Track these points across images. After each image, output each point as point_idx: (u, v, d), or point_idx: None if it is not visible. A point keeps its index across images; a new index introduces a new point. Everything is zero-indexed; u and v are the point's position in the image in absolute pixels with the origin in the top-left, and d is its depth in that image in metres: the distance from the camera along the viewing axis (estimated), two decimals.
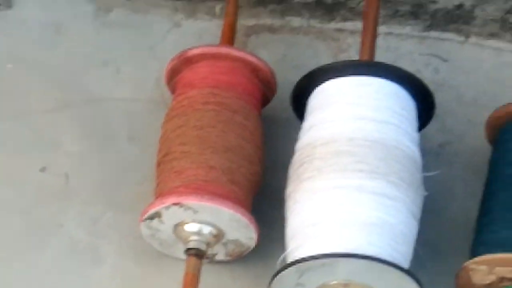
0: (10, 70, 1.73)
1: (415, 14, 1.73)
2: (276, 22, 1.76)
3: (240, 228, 1.43)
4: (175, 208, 1.39)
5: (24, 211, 1.58)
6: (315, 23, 1.77)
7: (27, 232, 1.56)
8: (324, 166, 1.44)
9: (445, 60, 1.72)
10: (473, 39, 1.75)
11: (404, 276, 1.34)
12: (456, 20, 1.74)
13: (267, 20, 1.76)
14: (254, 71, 1.52)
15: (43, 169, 1.59)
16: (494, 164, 1.53)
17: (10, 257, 1.54)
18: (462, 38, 1.75)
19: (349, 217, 1.41)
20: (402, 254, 1.39)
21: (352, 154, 1.44)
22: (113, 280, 1.51)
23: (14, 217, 1.58)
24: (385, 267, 1.33)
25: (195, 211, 1.40)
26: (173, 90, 1.55)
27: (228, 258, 1.49)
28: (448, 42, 1.76)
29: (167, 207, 1.40)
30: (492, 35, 1.74)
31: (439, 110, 1.56)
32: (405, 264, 1.37)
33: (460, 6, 1.71)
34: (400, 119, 1.48)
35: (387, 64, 1.49)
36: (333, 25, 1.78)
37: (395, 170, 1.44)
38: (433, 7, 1.72)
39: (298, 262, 1.34)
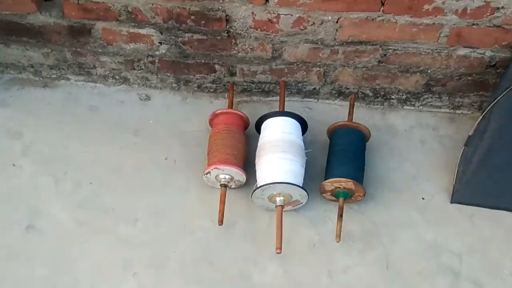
0: (151, 124, 1.71)
1: (298, 92, 1.72)
2: (248, 99, 1.75)
3: (239, 175, 1.47)
4: (215, 169, 1.44)
5: (159, 178, 1.58)
6: (262, 99, 1.75)
7: (159, 181, 1.56)
8: (269, 150, 1.48)
9: (310, 109, 1.72)
10: (320, 100, 1.75)
11: (301, 189, 1.40)
12: (314, 93, 1.72)
13: (244, 98, 1.74)
14: (241, 118, 1.56)
15: (166, 159, 1.60)
16: (330, 146, 1.56)
17: (145, 193, 1.54)
18: (316, 101, 1.74)
19: (278, 168, 1.43)
20: (299, 181, 1.43)
21: (278, 146, 1.47)
22: (196, 200, 1.52)
23: (150, 181, 1.57)
24: (294, 186, 1.39)
25: (222, 170, 1.44)
26: (211, 126, 1.58)
27: (235, 187, 1.52)
28: (311, 102, 1.75)
29: (212, 169, 1.45)
30: (327, 98, 1.73)
31: (310, 127, 1.59)
32: (301, 184, 1.42)
33: (314, 88, 1.70)
34: (295, 132, 1.52)
35: (289, 112, 1.54)
36: (269, 99, 1.75)
37: (294, 150, 1.47)
38: (304, 89, 1.70)
39: (261, 186, 1.39)
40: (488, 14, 1.36)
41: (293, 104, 1.66)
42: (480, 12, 1.36)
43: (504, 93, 1.44)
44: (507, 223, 1.45)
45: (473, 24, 1.40)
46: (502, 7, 1.34)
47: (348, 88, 1.64)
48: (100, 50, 1.58)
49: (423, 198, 1.50)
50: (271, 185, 1.39)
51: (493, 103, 1.46)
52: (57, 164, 1.54)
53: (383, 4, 1.37)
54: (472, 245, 1.41)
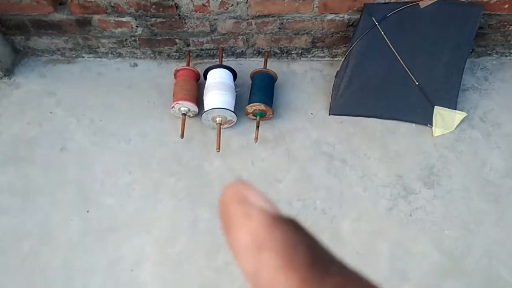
0: (139, 81, 1.74)
1: (233, 54, 1.70)
2: (201, 61, 1.71)
3: (193, 107, 1.50)
4: (177, 104, 1.48)
5: (144, 113, 1.60)
6: (210, 60, 1.72)
7: (144, 115, 1.58)
8: (211, 89, 1.52)
9: (241, 65, 1.70)
10: (248, 59, 1.73)
11: (231, 112, 1.45)
12: (242, 54, 1.70)
13: (199, 61, 1.71)
14: (193, 71, 1.55)
15: (148, 102, 1.62)
16: (251, 84, 1.57)
17: (136, 122, 1.57)
18: (245, 59, 1.72)
19: (216, 99, 1.48)
20: (231, 107, 1.47)
21: (216, 86, 1.51)
22: (168, 125, 1.54)
23: (139, 115, 1.58)
24: (226, 110, 1.44)
25: (182, 104, 1.47)
26: (175, 77, 1.55)
27: (192, 116, 1.53)
28: (241, 60, 1.73)
29: (175, 104, 1.49)
30: (252, 57, 1.72)
31: (241, 76, 1.60)
32: (232, 109, 1.47)
33: (242, 51, 1.67)
34: (227, 76, 1.55)
35: (223, 64, 1.53)
36: (214, 60, 1.72)
37: (226, 88, 1.52)
38: (236, 52, 1.68)
39: (206, 111, 1.44)
40: None
41: (229, 62, 1.62)
42: None
43: (355, 42, 1.52)
44: (362, 124, 1.55)
45: None
46: None
47: (263, 49, 1.63)
48: (99, 35, 1.60)
49: (311, 114, 1.55)
50: (212, 109, 1.46)
51: (350, 48, 1.54)
52: (78, 109, 1.61)
53: None
54: (341, 138, 1.51)
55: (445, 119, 1.50)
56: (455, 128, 1.51)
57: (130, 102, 1.64)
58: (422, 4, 1.44)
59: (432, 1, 1.44)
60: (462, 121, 1.51)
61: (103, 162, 1.50)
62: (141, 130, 1.56)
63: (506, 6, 1.44)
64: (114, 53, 1.75)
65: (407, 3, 1.45)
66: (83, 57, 1.77)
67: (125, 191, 1.43)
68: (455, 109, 1.51)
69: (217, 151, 1.44)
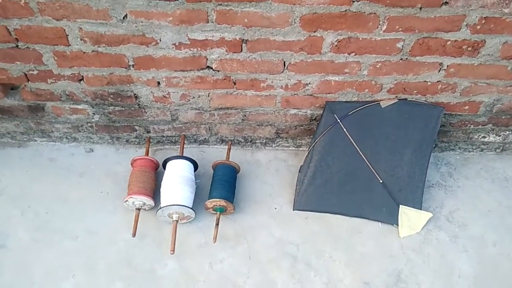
0: (92, 168, 1.67)
1: (195, 141, 1.67)
2: (162, 147, 1.68)
3: (149, 201, 1.45)
4: (131, 198, 1.42)
5: (95, 205, 1.52)
6: (172, 146, 1.69)
7: (95, 208, 1.51)
8: (168, 182, 1.46)
9: (204, 152, 1.69)
10: (210, 146, 1.71)
11: (189, 209, 1.39)
12: (205, 142, 1.68)
13: (159, 147, 1.69)
14: (151, 161, 1.52)
15: (101, 192, 1.55)
16: (212, 177, 1.52)
17: (85, 216, 1.48)
18: (208, 146, 1.70)
19: (174, 194, 1.42)
20: (189, 203, 1.42)
21: (175, 179, 1.45)
22: (120, 220, 1.48)
23: (89, 208, 1.50)
24: (184, 207, 1.38)
25: (136, 198, 1.42)
26: (132, 166, 1.52)
27: (148, 209, 1.48)
28: (204, 147, 1.71)
29: (128, 198, 1.42)
30: (215, 144, 1.70)
31: (203, 164, 1.59)
32: (190, 205, 1.41)
33: (205, 138, 1.66)
34: (187, 169, 1.50)
35: (183, 156, 1.51)
36: (176, 147, 1.69)
37: (185, 182, 1.46)
38: (198, 139, 1.65)
39: (161, 208, 1.38)
40: (302, 87, 1.42)
41: (192, 149, 1.65)
42: (297, 86, 1.42)
43: (318, 137, 1.50)
44: (328, 221, 1.50)
45: (295, 94, 1.45)
46: (309, 83, 1.40)
47: (227, 137, 1.63)
48: (53, 120, 1.55)
49: (275, 208, 1.51)
50: (168, 206, 1.39)
51: (313, 144, 1.52)
52: (24, 200, 1.51)
53: (235, 84, 1.41)
54: (306, 237, 1.45)
55: (411, 219, 1.46)
56: (422, 229, 1.46)
57: (80, 192, 1.55)
58: (383, 104, 1.45)
59: (393, 102, 1.45)
60: (429, 220, 1.48)
61: (44, 263, 1.36)
62: (90, 225, 1.46)
63: (467, 107, 1.48)
64: (69, 137, 1.68)
65: (368, 102, 1.46)
66: (35, 140, 1.70)
67: None
68: (420, 209, 1.48)
69: (171, 253, 1.33)
